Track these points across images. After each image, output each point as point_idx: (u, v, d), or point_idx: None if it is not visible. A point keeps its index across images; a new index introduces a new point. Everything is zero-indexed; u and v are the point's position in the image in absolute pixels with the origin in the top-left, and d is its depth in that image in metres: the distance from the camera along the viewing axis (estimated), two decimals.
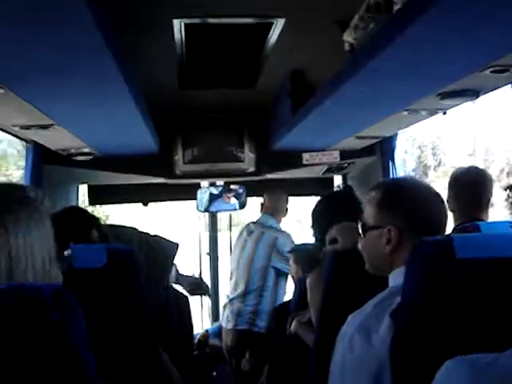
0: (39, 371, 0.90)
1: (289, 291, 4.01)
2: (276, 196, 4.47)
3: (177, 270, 3.28)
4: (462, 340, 1.40)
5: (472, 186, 2.87)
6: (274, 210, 4.43)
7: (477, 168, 2.98)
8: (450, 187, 2.94)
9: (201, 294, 3.49)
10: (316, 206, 2.75)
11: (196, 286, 3.33)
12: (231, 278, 4.47)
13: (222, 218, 5.67)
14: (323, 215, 2.67)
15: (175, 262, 2.72)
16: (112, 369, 1.49)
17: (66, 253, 1.48)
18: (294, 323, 2.62)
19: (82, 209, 2.56)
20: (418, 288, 1.44)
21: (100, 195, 4.58)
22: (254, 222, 4.47)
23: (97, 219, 2.44)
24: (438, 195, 1.78)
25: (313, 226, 2.73)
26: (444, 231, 1.75)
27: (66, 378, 0.92)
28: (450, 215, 2.82)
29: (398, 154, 3.85)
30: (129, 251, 1.71)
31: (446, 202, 2.76)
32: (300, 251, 3.33)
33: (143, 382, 1.68)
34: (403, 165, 3.93)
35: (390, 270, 1.73)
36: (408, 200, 1.73)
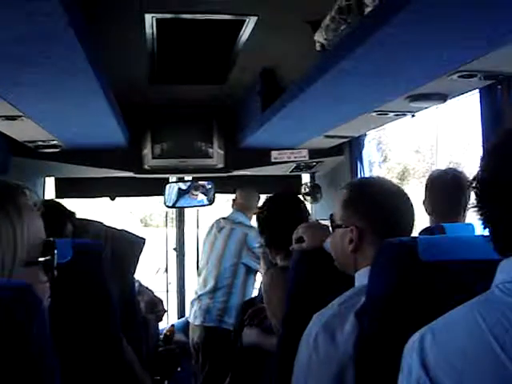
0: None
1: (258, 287, 4.01)
2: (248, 193, 4.48)
3: (140, 283, 3.22)
4: None
5: (449, 189, 2.75)
6: (245, 206, 4.43)
7: (455, 170, 2.88)
8: (426, 189, 2.84)
9: (156, 317, 3.43)
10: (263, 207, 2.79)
11: (152, 306, 3.26)
12: (200, 275, 4.46)
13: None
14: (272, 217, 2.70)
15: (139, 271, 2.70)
16: (76, 366, 1.49)
17: None
18: (254, 332, 2.63)
19: (57, 202, 2.51)
20: (382, 288, 1.46)
21: (67, 188, 4.53)
22: (224, 218, 4.46)
23: (72, 213, 2.41)
24: (405, 197, 1.78)
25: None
26: (410, 233, 1.75)
27: (25, 380, 0.90)
28: (426, 217, 2.79)
29: (366, 154, 3.88)
30: (95, 246, 1.70)
31: (422, 203, 2.77)
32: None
33: (107, 376, 1.68)
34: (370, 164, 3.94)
35: (355, 269, 1.75)
36: (370, 201, 1.74)
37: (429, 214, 2.78)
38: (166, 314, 3.59)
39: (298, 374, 1.63)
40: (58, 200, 2.56)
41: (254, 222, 4.49)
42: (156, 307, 3.35)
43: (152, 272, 5.88)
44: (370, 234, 1.72)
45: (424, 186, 2.86)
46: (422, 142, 19.07)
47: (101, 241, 2.28)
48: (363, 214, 1.73)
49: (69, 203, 2.62)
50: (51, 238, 1.27)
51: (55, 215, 2.29)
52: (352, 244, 1.73)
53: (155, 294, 3.49)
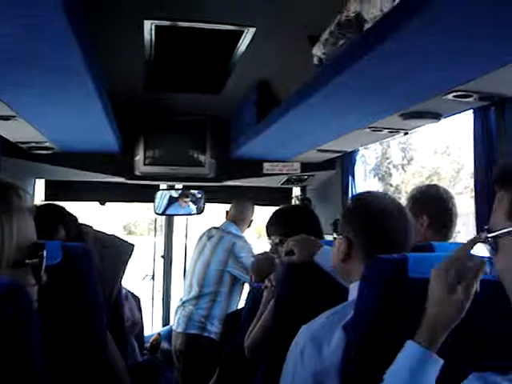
0: None
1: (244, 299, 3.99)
2: (242, 205, 4.46)
3: (127, 290, 3.19)
4: None
5: (439, 203, 2.61)
6: (238, 218, 4.41)
7: (440, 186, 2.79)
8: (417, 202, 2.62)
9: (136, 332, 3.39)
10: (272, 217, 2.76)
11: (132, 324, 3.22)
12: (185, 281, 4.45)
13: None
14: (280, 226, 2.68)
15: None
16: (63, 370, 1.47)
17: None
18: None
19: (51, 205, 2.46)
20: (370, 303, 1.46)
21: (57, 191, 4.51)
22: (215, 228, 4.45)
23: (68, 217, 2.37)
24: (401, 214, 1.77)
25: (269, 236, 2.74)
26: (406, 249, 1.71)
27: (12, 379, 0.90)
28: None
29: (359, 169, 3.88)
30: (84, 249, 1.69)
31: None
32: (261, 258, 3.33)
33: (90, 376, 1.66)
34: (363, 162, 3.89)
35: (349, 280, 1.78)
36: (361, 217, 1.77)
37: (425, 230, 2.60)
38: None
39: (283, 383, 1.63)
40: (59, 204, 2.49)
41: (246, 234, 4.51)
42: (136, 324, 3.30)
43: (139, 279, 5.86)
44: (357, 249, 1.74)
45: (412, 198, 2.77)
46: (450, 144, 18.05)
47: (89, 244, 2.27)
48: (353, 228, 1.76)
49: None
50: (41, 241, 1.26)
51: (48, 218, 2.27)
52: (343, 254, 1.76)
53: (141, 301, 3.48)
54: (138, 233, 23.45)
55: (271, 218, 2.72)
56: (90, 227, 2.50)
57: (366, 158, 3.97)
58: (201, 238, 4.48)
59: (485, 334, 1.45)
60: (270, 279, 2.58)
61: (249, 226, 4.50)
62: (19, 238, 1.19)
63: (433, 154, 19.25)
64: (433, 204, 2.58)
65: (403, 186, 18.39)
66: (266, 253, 3.21)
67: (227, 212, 4.48)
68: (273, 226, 2.68)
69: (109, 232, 2.75)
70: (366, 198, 1.89)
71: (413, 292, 1.43)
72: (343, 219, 1.83)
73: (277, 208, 2.82)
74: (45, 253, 1.23)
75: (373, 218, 1.75)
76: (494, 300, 1.27)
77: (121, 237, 2.79)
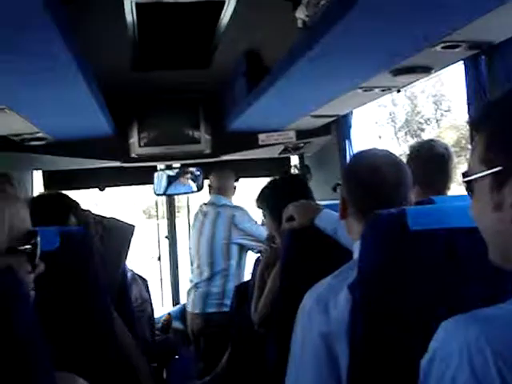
0: None
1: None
2: (223, 175, 4.47)
3: (133, 273, 3.17)
4: (419, 310, 1.43)
5: (436, 161, 2.64)
6: (222, 189, 4.42)
7: (438, 141, 2.78)
8: (409, 161, 2.59)
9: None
10: (266, 188, 2.78)
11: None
12: (193, 264, 4.45)
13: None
14: (273, 197, 2.69)
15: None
16: (68, 358, 1.47)
17: None
18: None
19: (60, 194, 2.49)
20: (372, 261, 1.46)
21: (55, 181, 4.51)
22: (206, 204, 4.45)
23: (75, 205, 2.40)
24: (393, 166, 1.74)
25: (262, 207, 2.75)
26: (400, 202, 1.68)
27: (11, 368, 0.89)
28: None
29: (354, 132, 3.86)
30: (83, 233, 1.69)
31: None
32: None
33: (100, 370, 1.66)
34: (393, 120, 3.80)
35: (352, 238, 1.80)
36: (350, 176, 1.80)
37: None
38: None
39: (294, 348, 1.64)
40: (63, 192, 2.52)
41: (236, 202, 4.51)
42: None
43: (147, 260, 5.89)
44: (350, 206, 1.76)
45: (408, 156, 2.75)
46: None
47: (90, 229, 2.27)
48: (345, 187, 1.79)
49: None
50: (35, 228, 1.26)
51: (54, 207, 2.28)
52: (340, 212, 1.80)
53: (148, 283, 3.47)
54: (159, 216, 23.40)
55: (260, 192, 2.75)
56: (89, 211, 2.50)
57: (395, 115, 3.89)
58: (196, 217, 4.49)
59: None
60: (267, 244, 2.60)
61: (233, 194, 4.51)
62: (13, 226, 1.20)
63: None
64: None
65: None
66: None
67: (210, 186, 4.48)
68: (262, 201, 2.70)
69: (129, 218, 2.77)
70: (357, 156, 1.90)
71: (415, 244, 1.42)
72: (342, 179, 1.85)
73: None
74: (39, 239, 1.23)
75: (359, 174, 1.76)
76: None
77: (141, 221, 2.79)
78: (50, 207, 2.32)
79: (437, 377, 0.90)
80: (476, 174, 1.01)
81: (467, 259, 1.41)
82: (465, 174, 1.05)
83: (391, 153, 1.82)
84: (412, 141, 17.62)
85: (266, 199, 2.71)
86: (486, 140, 0.99)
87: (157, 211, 5.89)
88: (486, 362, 0.81)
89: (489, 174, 0.98)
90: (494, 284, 1.37)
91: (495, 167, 0.96)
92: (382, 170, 1.72)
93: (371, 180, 1.72)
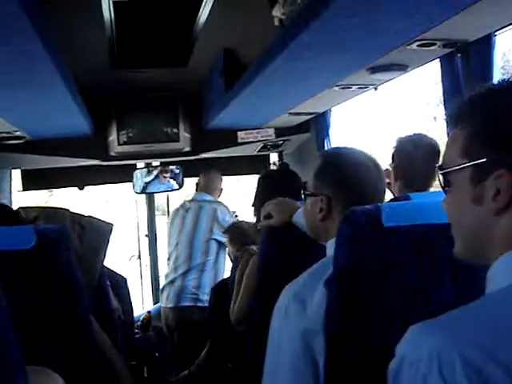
0: None
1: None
2: (211, 175, 4.49)
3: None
4: (393, 306, 1.44)
5: (420, 156, 2.54)
6: (209, 188, 4.44)
7: (425, 136, 2.65)
8: (393, 156, 2.61)
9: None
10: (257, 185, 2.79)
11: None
12: (170, 258, 4.45)
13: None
14: (262, 194, 2.70)
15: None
16: (42, 356, 1.47)
17: None
18: None
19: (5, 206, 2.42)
20: (347, 257, 1.47)
21: (34, 180, 4.49)
22: (189, 201, 4.46)
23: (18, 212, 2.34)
24: (373, 166, 1.77)
25: (253, 205, 2.76)
26: (380, 200, 1.74)
27: None
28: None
29: (333, 130, 3.88)
30: (59, 231, 1.68)
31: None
32: (233, 229, 3.36)
33: (75, 367, 1.66)
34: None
35: (326, 239, 1.77)
36: (336, 171, 1.76)
37: (395, 180, 2.60)
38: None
39: (271, 345, 1.64)
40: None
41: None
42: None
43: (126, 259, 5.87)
44: (337, 203, 1.73)
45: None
46: None
47: (67, 227, 2.25)
48: (330, 184, 1.75)
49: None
50: None
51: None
52: (322, 213, 1.75)
53: (127, 281, 3.45)
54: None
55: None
56: (67, 210, 2.48)
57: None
58: (176, 212, 4.49)
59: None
60: (246, 248, 2.60)
61: (219, 195, 4.52)
62: None
63: None
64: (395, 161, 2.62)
65: None
66: (239, 222, 3.22)
67: (197, 184, 4.49)
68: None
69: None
70: (335, 152, 1.89)
71: (389, 240, 1.44)
72: (317, 178, 1.80)
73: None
74: None
75: (348, 170, 1.75)
76: None
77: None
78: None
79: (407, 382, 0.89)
80: (456, 166, 1.02)
81: (441, 255, 1.43)
82: (441, 167, 1.06)
83: (362, 150, 1.85)
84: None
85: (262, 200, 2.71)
86: (468, 133, 1.00)
87: (137, 208, 5.86)
88: (453, 368, 0.82)
89: (469, 166, 0.99)
90: (466, 281, 1.39)
91: (478, 159, 0.97)
92: (367, 166, 1.75)
93: (359, 176, 1.73)
